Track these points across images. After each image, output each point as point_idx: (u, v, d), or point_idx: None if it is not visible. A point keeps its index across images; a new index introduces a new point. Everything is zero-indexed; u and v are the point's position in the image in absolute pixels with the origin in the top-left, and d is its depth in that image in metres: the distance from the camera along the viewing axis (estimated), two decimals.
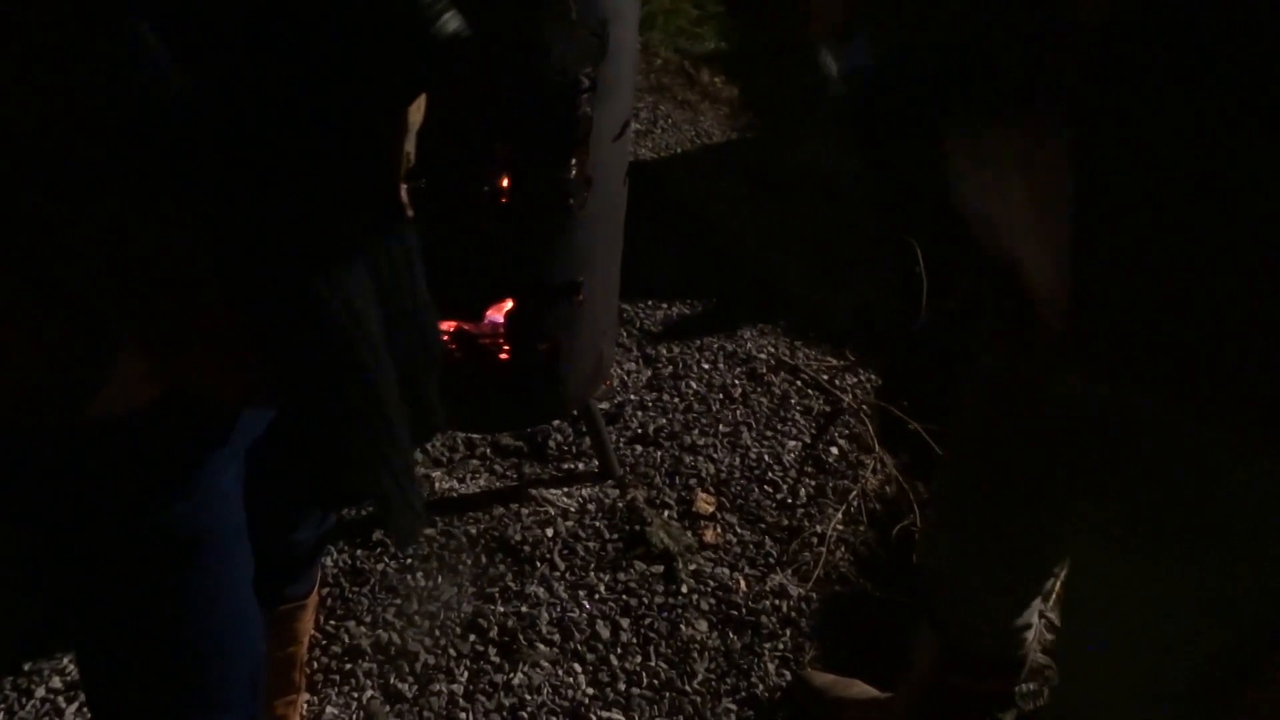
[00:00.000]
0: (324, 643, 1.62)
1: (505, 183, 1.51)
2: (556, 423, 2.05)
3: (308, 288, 0.68)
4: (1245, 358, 0.63)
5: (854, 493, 1.96)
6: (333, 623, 1.65)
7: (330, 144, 0.67)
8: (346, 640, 1.63)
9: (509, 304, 1.60)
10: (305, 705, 1.52)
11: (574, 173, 1.48)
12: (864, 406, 2.18)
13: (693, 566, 1.79)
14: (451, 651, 1.63)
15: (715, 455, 2.04)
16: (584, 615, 1.70)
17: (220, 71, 0.59)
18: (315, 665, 1.59)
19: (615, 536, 1.84)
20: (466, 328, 1.63)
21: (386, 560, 1.76)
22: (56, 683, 1.52)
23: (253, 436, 0.87)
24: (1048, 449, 0.95)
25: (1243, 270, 0.61)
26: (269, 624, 1.21)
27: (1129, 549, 0.85)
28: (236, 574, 0.92)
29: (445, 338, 1.64)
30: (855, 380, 2.26)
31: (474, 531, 1.83)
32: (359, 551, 1.77)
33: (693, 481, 1.97)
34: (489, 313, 1.61)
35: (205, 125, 0.59)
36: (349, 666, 1.59)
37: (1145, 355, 0.67)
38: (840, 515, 1.91)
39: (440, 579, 1.74)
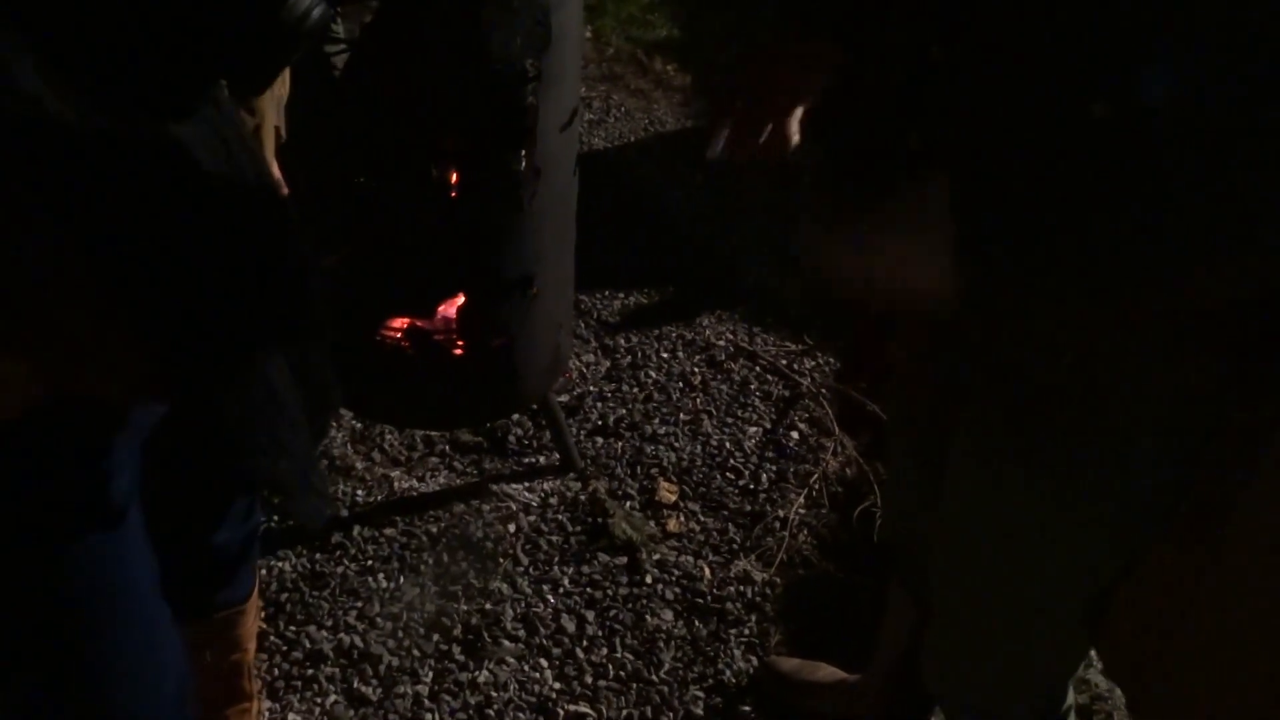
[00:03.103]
0: (284, 649, 1.60)
1: (453, 176, 1.49)
2: (516, 417, 2.03)
3: (182, 272, 0.67)
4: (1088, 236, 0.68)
5: (815, 476, 1.97)
6: (293, 628, 1.63)
7: (190, 122, 0.66)
8: (307, 645, 1.60)
9: (461, 299, 1.58)
10: (267, 713, 1.49)
11: (523, 164, 1.47)
12: (823, 390, 2.19)
13: (656, 556, 1.79)
14: (415, 652, 1.61)
15: (676, 444, 2.03)
16: (548, 609, 1.69)
17: (72, 62, 0.58)
18: (276, 672, 1.56)
19: (578, 529, 1.83)
20: (419, 324, 1.61)
21: (346, 563, 1.74)
22: None
23: (143, 437, 0.85)
24: (950, 377, 0.98)
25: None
26: (206, 632, 1.18)
27: (1002, 457, 0.88)
28: (138, 583, 0.88)
29: (398, 335, 1.62)
30: (814, 364, 2.27)
31: (435, 530, 1.81)
32: (318, 555, 1.75)
33: (654, 471, 1.97)
34: (441, 308, 1.59)
35: (63, 118, 0.58)
36: (311, 672, 1.57)
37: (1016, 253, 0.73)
38: (802, 499, 1.92)
39: (402, 579, 1.72)
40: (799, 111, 0.99)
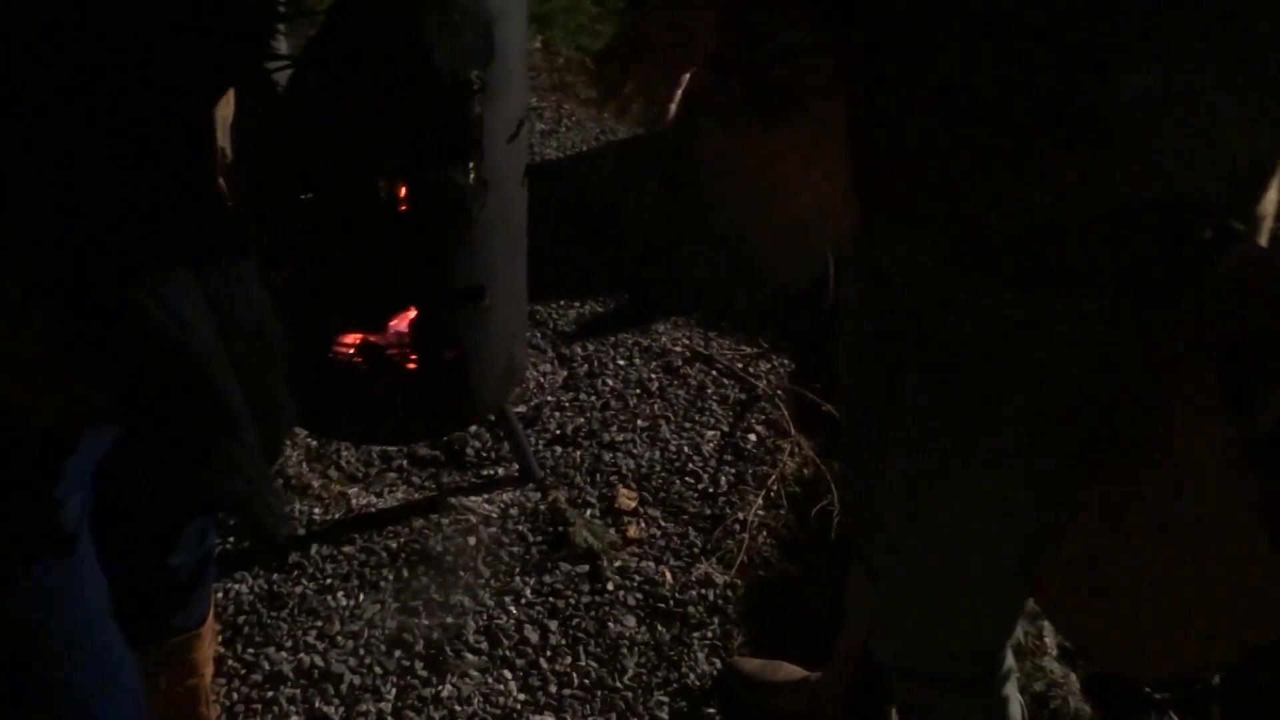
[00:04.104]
0: (243, 671, 1.58)
1: (401, 190, 1.49)
2: (473, 429, 2.03)
3: (130, 293, 0.66)
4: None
5: (773, 477, 1.99)
6: (251, 650, 1.61)
7: (137, 146, 0.66)
8: (267, 667, 1.58)
9: (413, 313, 1.58)
10: None
11: (470, 176, 1.47)
12: (779, 392, 2.21)
13: (618, 563, 1.79)
14: (377, 669, 1.60)
15: (635, 451, 2.04)
16: (511, 621, 1.68)
17: (21, 81, 0.58)
18: (235, 695, 1.54)
19: (539, 539, 1.83)
20: (371, 339, 1.60)
21: (305, 582, 1.72)
22: None
23: (94, 461, 0.84)
24: (887, 351, 1.01)
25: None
26: (161, 658, 1.17)
27: (930, 420, 0.90)
28: (89, 612, 0.87)
29: (351, 351, 1.61)
30: (769, 366, 2.29)
31: (394, 546, 1.80)
32: (275, 576, 1.73)
33: (614, 478, 1.97)
34: (393, 323, 1.59)
35: (9, 141, 0.58)
36: (271, 694, 1.55)
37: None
38: (761, 501, 1.94)
39: (362, 597, 1.71)
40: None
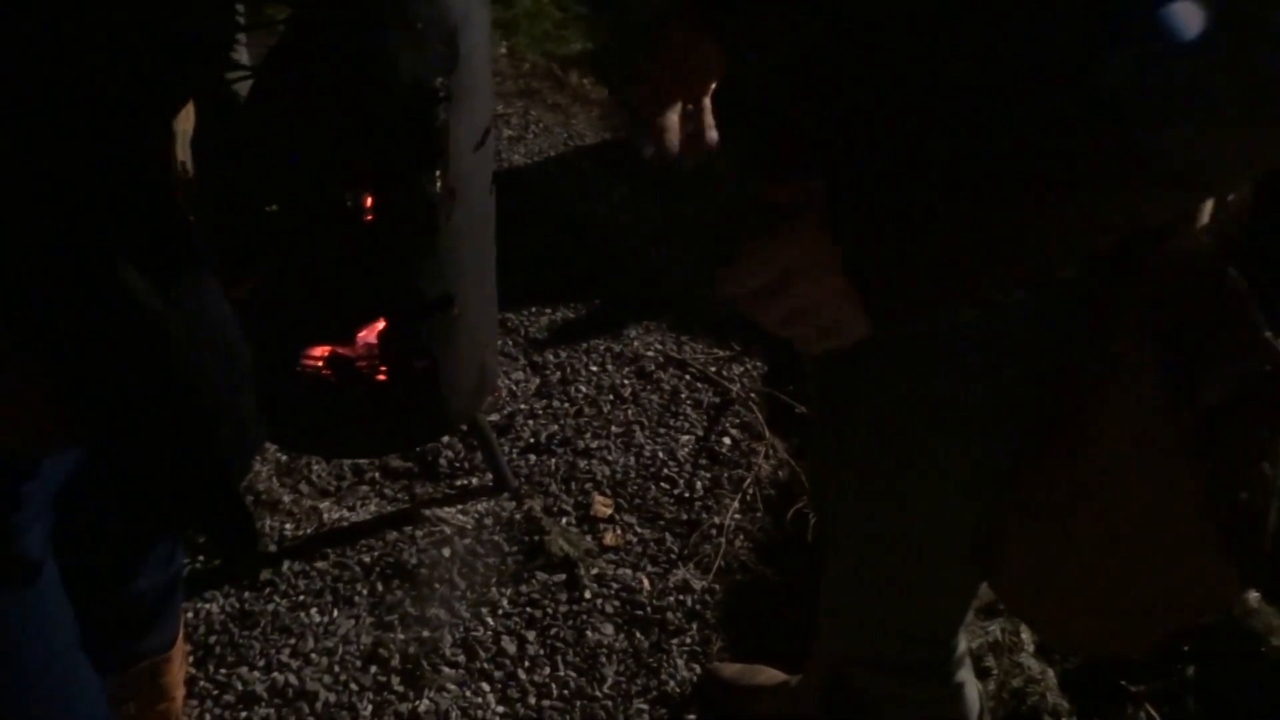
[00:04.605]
0: (215, 693, 1.55)
1: (367, 200, 1.47)
2: (446, 439, 2.01)
3: (94, 312, 0.65)
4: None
5: (748, 481, 1.99)
6: (223, 671, 1.58)
7: (95, 161, 0.64)
8: (239, 687, 1.56)
9: (382, 323, 1.56)
10: None
11: (437, 185, 1.45)
12: (752, 395, 2.21)
13: (595, 571, 1.78)
14: (353, 686, 1.58)
15: (610, 457, 2.03)
16: (488, 633, 1.67)
17: None
18: (208, 717, 1.51)
19: (514, 549, 1.81)
20: (340, 351, 1.58)
21: (277, 600, 1.70)
22: None
23: (55, 488, 0.82)
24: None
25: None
26: (129, 684, 1.14)
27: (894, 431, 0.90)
28: (53, 641, 0.85)
29: (320, 364, 1.59)
30: (742, 369, 2.29)
31: (368, 560, 1.78)
32: (247, 594, 1.70)
33: (589, 486, 1.96)
34: (361, 334, 1.56)
35: None
36: (245, 715, 1.52)
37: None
38: (737, 504, 1.93)
39: (335, 613, 1.68)
40: (704, 103, 1.00)
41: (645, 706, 1.58)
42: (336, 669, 1.60)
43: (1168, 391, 0.76)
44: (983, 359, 0.83)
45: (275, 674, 1.58)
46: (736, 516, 1.92)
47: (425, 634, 1.65)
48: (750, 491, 1.97)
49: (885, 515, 0.96)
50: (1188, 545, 0.80)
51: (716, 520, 1.90)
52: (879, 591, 1.03)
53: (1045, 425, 0.86)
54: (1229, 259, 0.75)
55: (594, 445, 2.05)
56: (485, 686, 1.59)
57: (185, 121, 0.88)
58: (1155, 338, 0.77)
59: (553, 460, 2.01)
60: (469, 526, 1.85)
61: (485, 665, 1.62)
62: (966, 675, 1.13)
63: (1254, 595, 1.59)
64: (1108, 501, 0.83)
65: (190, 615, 1.64)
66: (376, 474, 1.95)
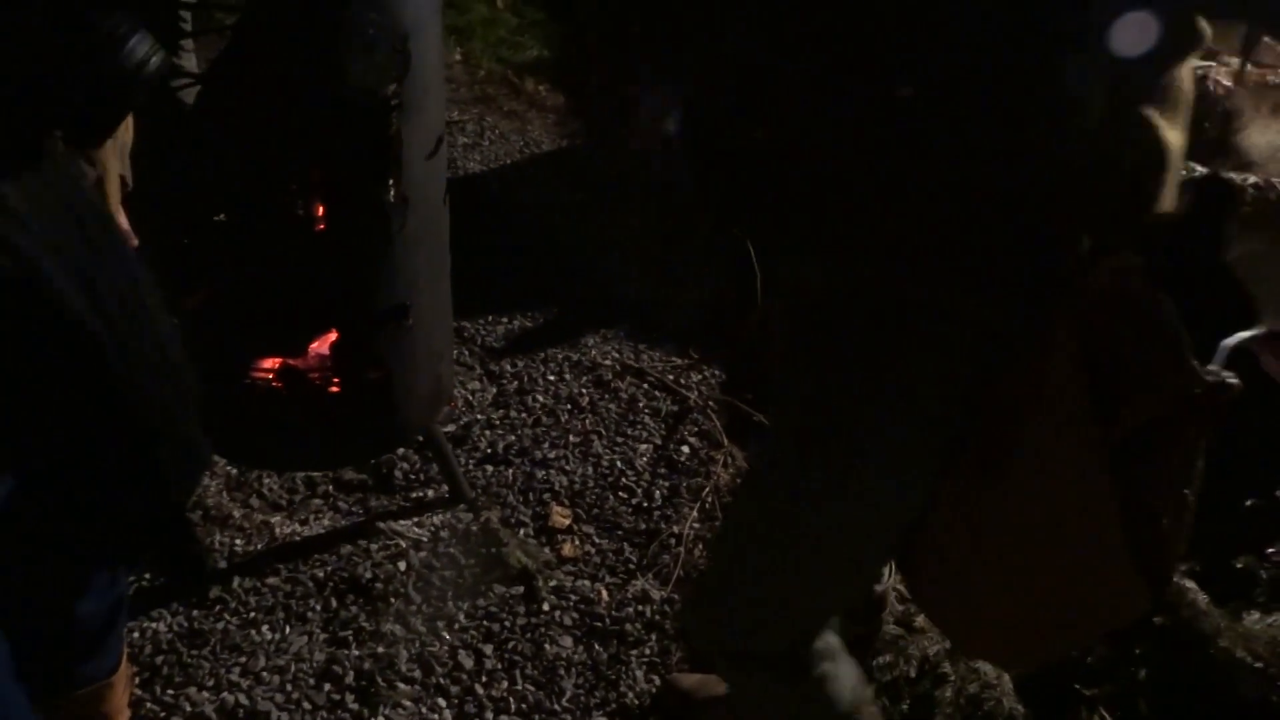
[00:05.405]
0: (162, 715, 1.50)
1: (318, 208, 1.45)
2: (401, 451, 1.98)
3: (27, 331, 0.63)
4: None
5: (707, 489, 1.98)
6: (171, 691, 1.53)
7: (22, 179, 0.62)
8: (188, 708, 1.51)
9: (334, 334, 1.54)
10: None
11: (390, 193, 1.43)
12: (710, 403, 2.21)
13: (553, 583, 1.77)
14: (306, 705, 1.54)
15: (568, 467, 2.01)
16: (444, 647, 1.64)
17: None
18: None
19: (471, 562, 1.79)
20: (291, 363, 1.55)
21: (227, 617, 1.66)
22: None
23: None
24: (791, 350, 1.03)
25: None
26: (70, 711, 1.11)
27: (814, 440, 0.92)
28: None
29: (270, 376, 1.56)
30: (700, 377, 2.29)
31: (321, 575, 1.74)
32: (195, 612, 1.66)
33: (547, 496, 1.95)
34: (313, 346, 1.54)
35: None
36: None
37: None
38: (695, 513, 1.93)
39: (288, 629, 1.65)
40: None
41: (604, 719, 1.57)
42: (289, 687, 1.56)
43: (1092, 410, 0.78)
44: (933, 354, 0.85)
45: (225, 694, 1.54)
46: (695, 525, 1.91)
47: (380, 650, 1.62)
48: (709, 500, 1.97)
49: (818, 518, 0.96)
50: (1101, 560, 0.82)
51: (675, 529, 1.89)
52: (757, 580, 1.02)
53: (968, 438, 0.87)
54: (1159, 281, 0.77)
55: (552, 455, 2.04)
56: (442, 702, 1.56)
57: (125, 134, 0.85)
58: (1083, 356, 0.79)
59: (510, 471, 1.99)
60: (425, 539, 1.82)
61: (442, 681, 1.59)
62: (831, 667, 1.10)
63: (1203, 598, 1.62)
64: (1026, 517, 0.85)
65: (136, 634, 1.60)
66: (330, 487, 1.92)
